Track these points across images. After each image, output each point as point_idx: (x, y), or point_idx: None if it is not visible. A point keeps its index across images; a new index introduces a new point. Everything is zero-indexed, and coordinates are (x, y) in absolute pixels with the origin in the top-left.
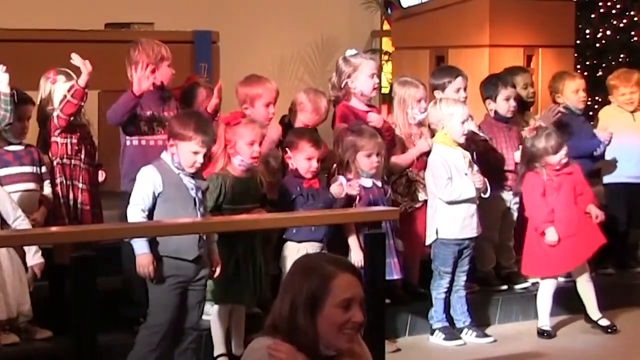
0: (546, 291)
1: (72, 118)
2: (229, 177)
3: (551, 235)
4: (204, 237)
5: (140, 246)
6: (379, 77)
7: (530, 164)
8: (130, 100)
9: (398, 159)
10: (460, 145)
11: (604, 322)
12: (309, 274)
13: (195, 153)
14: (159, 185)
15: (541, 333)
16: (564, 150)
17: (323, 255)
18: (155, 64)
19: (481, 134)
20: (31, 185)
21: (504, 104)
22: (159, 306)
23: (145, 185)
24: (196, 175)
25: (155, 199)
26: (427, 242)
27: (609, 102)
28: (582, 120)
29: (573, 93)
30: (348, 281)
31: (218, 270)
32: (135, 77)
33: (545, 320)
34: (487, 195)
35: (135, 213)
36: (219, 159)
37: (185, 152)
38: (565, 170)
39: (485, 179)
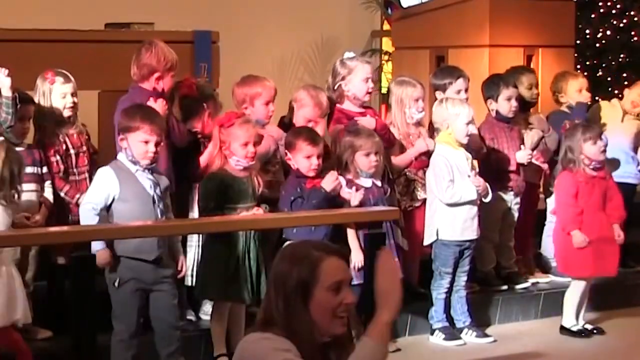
0: (576, 290)
1: None
2: (225, 177)
3: (578, 238)
4: (165, 238)
5: (95, 243)
6: (377, 81)
7: (566, 161)
8: None
9: (397, 160)
10: (462, 146)
11: (588, 326)
12: (296, 261)
13: (146, 142)
14: (115, 186)
15: (566, 330)
16: (602, 142)
17: (307, 242)
18: (162, 72)
19: (479, 140)
20: (32, 186)
21: (505, 104)
22: (122, 311)
23: (101, 186)
24: (154, 170)
25: (110, 200)
26: (426, 243)
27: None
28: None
29: (577, 92)
30: (336, 264)
31: (184, 270)
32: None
33: (571, 319)
34: (489, 199)
35: (87, 210)
36: (215, 160)
37: (136, 143)
38: (599, 173)
39: (487, 184)
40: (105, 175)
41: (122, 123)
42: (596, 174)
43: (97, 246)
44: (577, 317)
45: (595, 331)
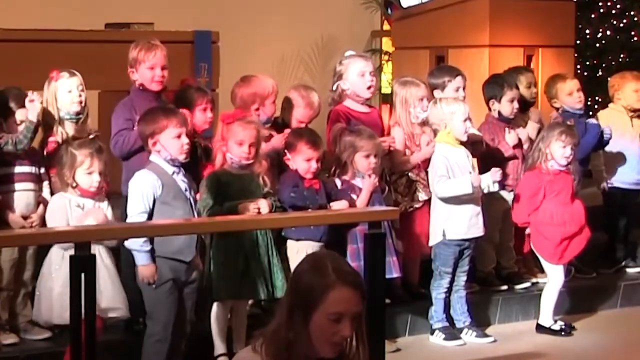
0: (552, 290)
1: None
2: (224, 175)
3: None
4: (201, 238)
5: (142, 257)
6: (378, 76)
7: (536, 152)
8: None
9: (400, 160)
10: (462, 143)
11: (558, 326)
12: (312, 274)
13: (179, 136)
14: (158, 187)
15: (541, 329)
16: (570, 151)
17: (330, 257)
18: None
19: (479, 133)
20: (30, 186)
21: (507, 105)
22: (159, 311)
23: (144, 189)
24: (187, 173)
25: (154, 202)
26: (431, 243)
27: (608, 102)
28: (585, 119)
29: (568, 95)
30: (345, 296)
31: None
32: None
33: (548, 318)
34: (496, 188)
35: (139, 219)
36: (217, 155)
37: (169, 141)
38: (564, 170)
39: (497, 171)
40: (146, 178)
41: (148, 129)
42: (560, 171)
43: (142, 260)
44: (546, 321)
45: (567, 331)
